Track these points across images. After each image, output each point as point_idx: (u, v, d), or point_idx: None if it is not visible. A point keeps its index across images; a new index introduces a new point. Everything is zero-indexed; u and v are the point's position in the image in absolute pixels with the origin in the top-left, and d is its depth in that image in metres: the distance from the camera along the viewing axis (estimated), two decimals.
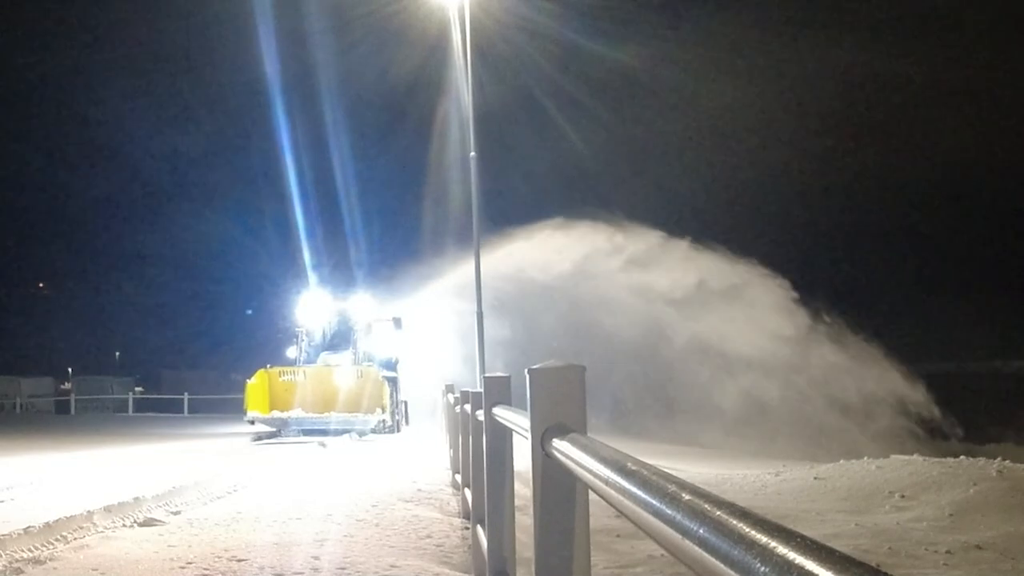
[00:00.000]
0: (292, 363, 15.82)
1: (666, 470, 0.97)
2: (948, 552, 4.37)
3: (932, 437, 17.71)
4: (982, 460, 6.42)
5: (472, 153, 13.46)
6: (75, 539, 4.44)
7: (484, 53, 16.15)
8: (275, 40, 28.64)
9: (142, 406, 27.71)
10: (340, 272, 21.07)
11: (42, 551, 4.11)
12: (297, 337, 16.55)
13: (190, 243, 50.10)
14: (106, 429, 17.23)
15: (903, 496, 5.78)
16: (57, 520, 4.71)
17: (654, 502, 0.86)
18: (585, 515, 1.58)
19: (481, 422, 3.08)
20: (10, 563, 3.83)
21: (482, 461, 3.09)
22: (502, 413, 2.54)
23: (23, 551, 4.07)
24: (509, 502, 2.79)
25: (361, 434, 13.52)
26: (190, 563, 3.90)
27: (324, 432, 13.21)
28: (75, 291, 48.17)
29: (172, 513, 5.39)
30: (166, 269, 48.57)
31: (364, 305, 17.07)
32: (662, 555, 3.86)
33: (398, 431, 15.17)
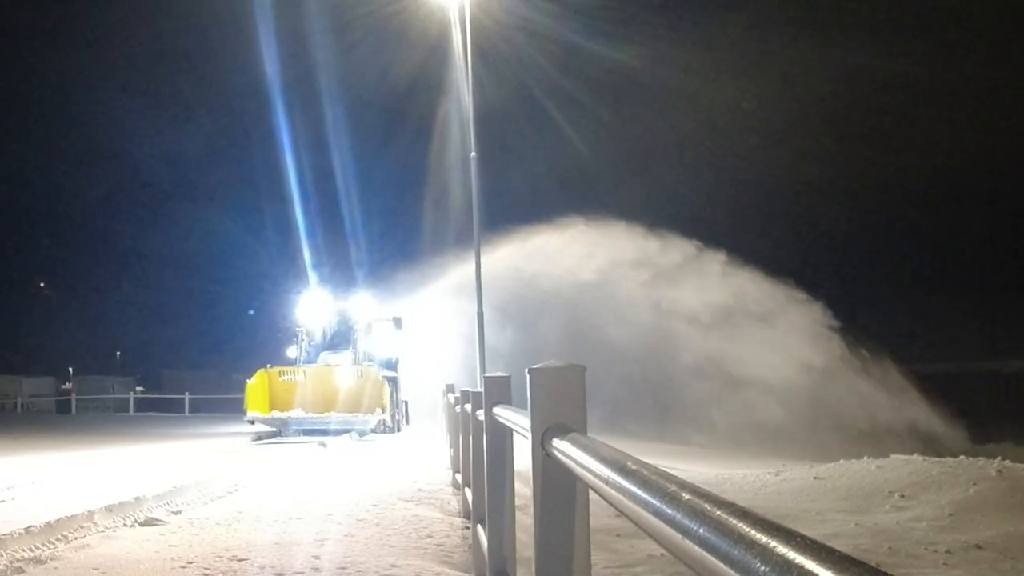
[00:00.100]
0: (292, 363, 15.82)
1: (666, 470, 0.97)
2: (948, 552, 4.37)
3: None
4: (982, 460, 6.43)
5: (472, 153, 13.46)
6: (76, 539, 4.44)
7: (484, 53, 16.15)
8: (275, 40, 28.67)
9: (143, 406, 27.72)
10: (340, 272, 21.10)
11: (43, 550, 4.11)
12: (297, 337, 16.55)
13: (191, 243, 50.11)
14: (107, 429, 17.24)
15: (903, 496, 5.78)
16: (58, 520, 4.71)
17: (654, 502, 0.86)
18: (585, 514, 1.58)
19: (481, 422, 3.08)
20: (11, 562, 3.84)
21: (482, 461, 3.10)
22: (502, 413, 2.54)
23: (24, 550, 4.07)
24: (509, 502, 2.79)
25: (361, 434, 13.52)
26: (191, 562, 3.91)
27: (324, 432, 13.20)
28: (76, 291, 48.24)
29: (173, 513, 5.40)
30: (167, 269, 48.59)
31: (364, 305, 17.07)
32: (662, 555, 3.86)
33: (398, 431, 15.17)
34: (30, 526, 4.49)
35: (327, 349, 16.02)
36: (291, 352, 16.79)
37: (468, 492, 4.53)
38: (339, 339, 16.19)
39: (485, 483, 2.97)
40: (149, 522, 4.97)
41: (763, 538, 0.63)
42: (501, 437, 2.78)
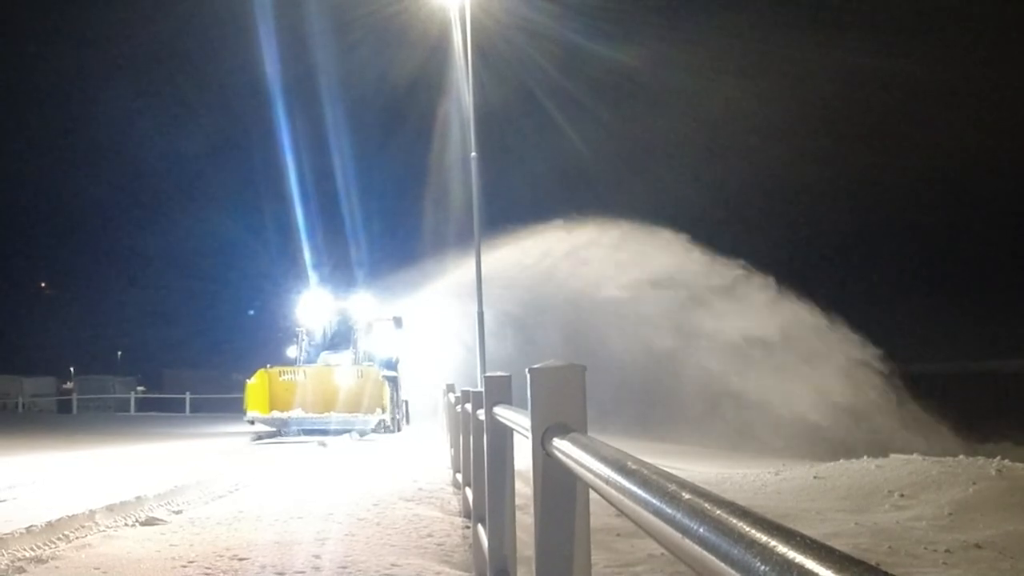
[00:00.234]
0: (292, 363, 15.82)
1: (666, 469, 0.97)
2: (947, 551, 4.38)
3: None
4: (981, 459, 6.43)
5: (473, 153, 13.46)
6: (77, 538, 4.44)
7: (485, 53, 16.15)
8: (276, 40, 28.66)
9: (144, 406, 27.73)
10: (341, 271, 21.10)
11: (44, 550, 4.12)
12: (297, 336, 16.55)
13: (192, 243, 50.16)
14: (108, 429, 17.25)
15: (903, 495, 5.78)
16: (59, 519, 4.72)
17: (654, 501, 0.86)
18: (585, 514, 1.59)
19: (482, 421, 3.09)
20: (12, 562, 3.84)
21: (483, 460, 3.10)
22: (503, 412, 2.55)
23: (25, 550, 4.08)
24: (510, 501, 2.80)
25: (362, 434, 13.52)
26: (192, 562, 3.91)
27: (324, 432, 13.20)
28: (77, 291, 48.26)
29: (174, 512, 5.40)
30: (168, 269, 48.63)
31: (364, 304, 17.07)
32: (662, 554, 3.87)
33: (399, 431, 15.17)
34: (31, 525, 4.50)
35: (327, 349, 16.01)
36: (291, 352, 16.79)
37: (468, 491, 4.54)
38: (339, 339, 16.19)
39: (485, 483, 2.98)
40: (150, 521, 4.98)
41: (763, 537, 0.63)
42: (501, 437, 2.79)
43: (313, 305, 16.72)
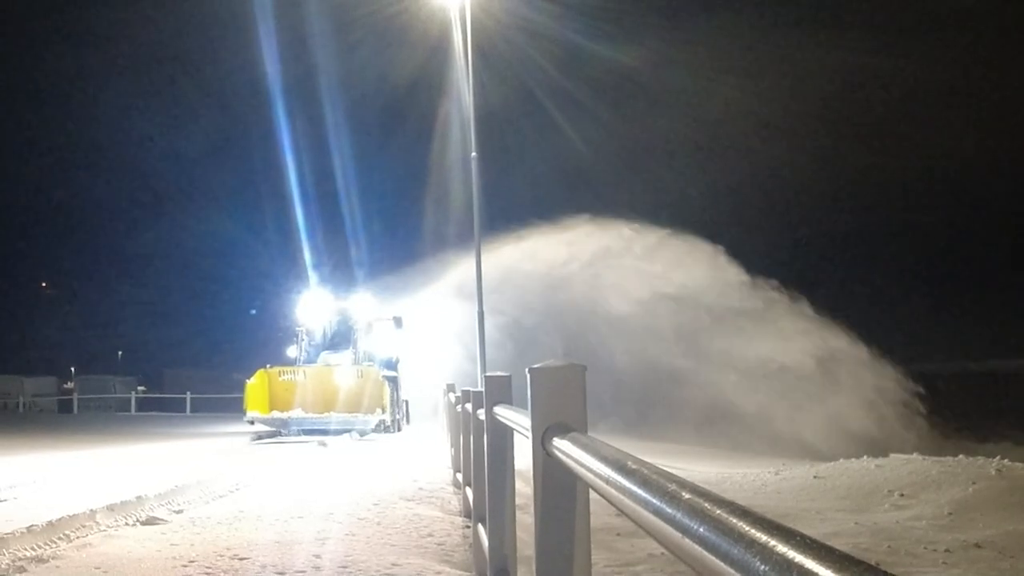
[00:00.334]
0: (293, 362, 15.82)
1: (666, 469, 0.97)
2: (947, 550, 4.38)
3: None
4: (981, 459, 6.43)
5: (473, 153, 13.47)
6: (78, 538, 4.45)
7: (485, 54, 16.14)
8: (277, 40, 28.67)
9: (145, 405, 27.74)
10: (341, 271, 21.10)
11: (45, 549, 4.12)
12: (297, 336, 16.55)
13: (192, 243, 50.20)
14: (109, 428, 17.25)
15: (902, 495, 5.78)
16: (60, 519, 4.72)
17: (654, 501, 0.87)
18: (586, 513, 1.59)
19: (482, 421, 3.09)
20: (13, 561, 3.85)
21: (483, 460, 3.10)
22: (503, 412, 2.55)
23: (26, 549, 4.08)
24: (510, 501, 2.80)
25: (362, 434, 13.52)
26: (192, 561, 3.92)
27: (324, 432, 13.19)
28: (78, 291, 48.29)
29: (174, 512, 5.41)
30: (168, 269, 48.71)
31: (365, 304, 17.07)
32: (663, 553, 3.87)
33: (399, 431, 15.17)
34: (32, 525, 4.50)
35: (327, 349, 16.01)
36: (291, 352, 16.78)
37: (469, 491, 4.54)
38: (339, 339, 16.18)
39: (486, 482, 2.98)
40: (151, 521, 4.98)
41: (763, 537, 0.63)
42: (502, 436, 2.79)
43: (313, 305, 16.72)
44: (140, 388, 31.97)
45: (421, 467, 8.44)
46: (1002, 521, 4.94)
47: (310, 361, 15.71)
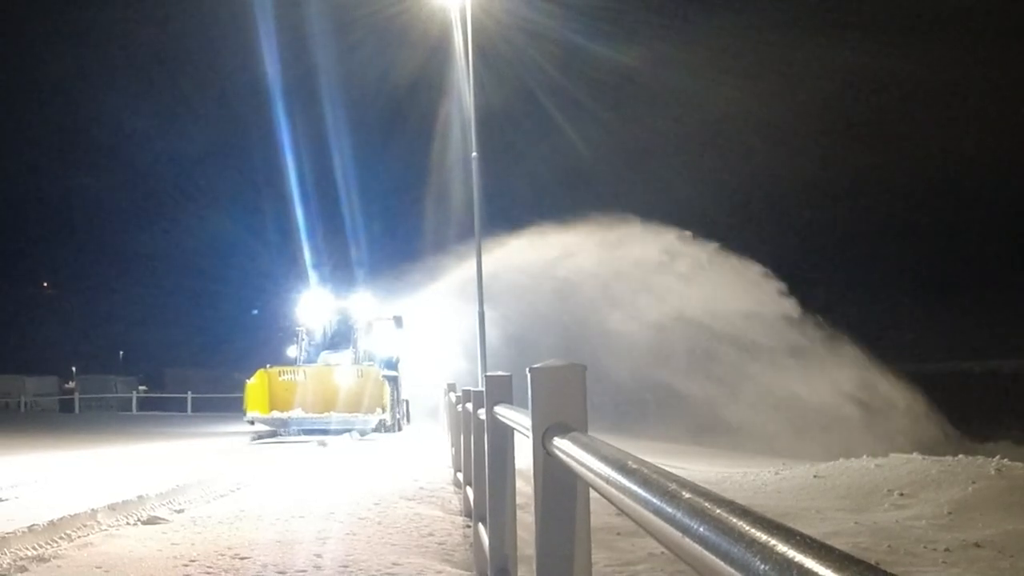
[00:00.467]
0: (293, 362, 15.82)
1: (666, 469, 0.98)
2: (947, 550, 4.38)
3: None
4: (980, 459, 6.43)
5: (474, 153, 13.47)
6: (79, 537, 4.46)
7: (485, 54, 16.14)
8: (277, 41, 28.70)
9: (146, 405, 27.75)
10: (341, 271, 21.09)
11: (46, 549, 4.13)
12: (297, 336, 16.55)
13: (193, 242, 50.24)
14: (110, 428, 17.26)
15: (902, 494, 5.79)
16: (61, 518, 4.73)
17: (654, 500, 0.87)
18: (586, 513, 1.59)
19: (483, 421, 3.09)
20: (15, 561, 3.85)
21: (483, 459, 3.11)
22: (503, 412, 2.55)
23: (28, 549, 4.09)
24: (510, 500, 2.80)
25: (362, 433, 13.52)
26: (193, 561, 3.92)
27: (325, 432, 13.19)
28: (79, 290, 48.31)
29: (175, 511, 5.41)
30: (169, 268, 48.75)
31: (365, 304, 17.06)
32: (663, 553, 3.88)
33: (399, 430, 15.16)
34: (33, 524, 4.51)
35: (327, 348, 16.01)
36: (291, 351, 16.79)
37: (469, 491, 4.55)
38: (339, 338, 16.18)
39: (486, 482, 2.98)
40: (152, 520, 4.99)
41: (763, 536, 0.63)
42: (502, 436, 2.79)
43: (313, 304, 16.72)
44: (141, 388, 31.98)
45: (422, 467, 8.44)
46: (1002, 520, 4.95)
47: (310, 361, 15.71)
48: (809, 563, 0.56)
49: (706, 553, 0.71)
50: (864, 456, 7.36)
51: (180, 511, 5.44)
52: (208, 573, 3.72)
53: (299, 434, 13.53)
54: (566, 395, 1.59)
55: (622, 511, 1.02)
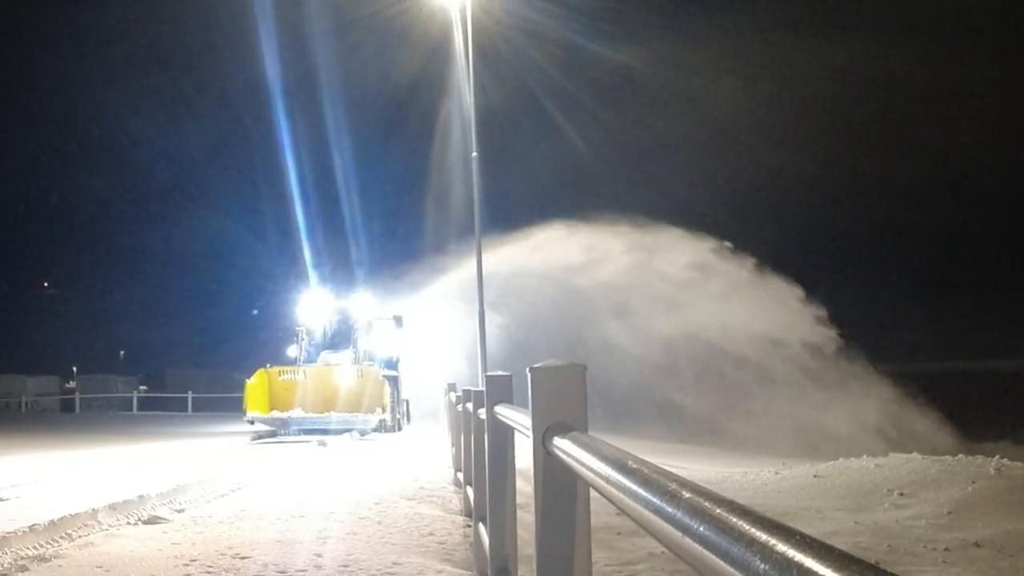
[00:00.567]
0: (293, 362, 15.82)
1: (666, 468, 0.98)
2: (947, 549, 4.38)
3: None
4: (980, 458, 6.43)
5: (474, 153, 13.48)
6: (80, 537, 4.46)
7: (485, 54, 16.15)
8: (278, 41, 28.70)
9: (146, 405, 27.75)
10: (341, 271, 21.09)
11: (47, 549, 4.13)
12: (297, 336, 16.55)
13: (193, 242, 50.19)
14: (110, 428, 17.27)
15: (902, 494, 5.79)
16: (62, 518, 4.73)
17: (655, 500, 0.87)
18: (586, 513, 1.60)
19: (483, 420, 3.10)
20: (16, 560, 3.86)
21: (484, 459, 3.11)
22: (504, 412, 2.56)
23: (28, 549, 4.09)
24: (511, 500, 2.81)
25: (362, 433, 13.52)
26: (194, 560, 3.93)
27: (324, 432, 13.19)
28: (80, 290, 48.32)
29: (176, 511, 5.42)
30: (170, 268, 48.76)
31: (365, 304, 17.07)
32: (663, 552, 3.88)
33: (399, 430, 15.16)
34: (34, 524, 4.52)
35: (327, 348, 16.01)
36: (291, 351, 16.79)
37: (469, 490, 4.55)
38: (339, 338, 16.19)
39: (486, 481, 2.99)
40: (152, 520, 4.99)
41: (763, 536, 0.63)
42: (502, 436, 2.80)
43: (313, 304, 16.72)
44: (142, 387, 31.94)
45: (422, 466, 8.44)
46: (1001, 520, 4.95)
47: (310, 360, 15.71)
48: (809, 563, 0.56)
49: (706, 553, 0.71)
50: (864, 456, 7.36)
51: (181, 511, 5.44)
52: (209, 572, 3.72)
53: (299, 434, 13.52)
54: (566, 395, 1.59)
55: (622, 511, 1.02)
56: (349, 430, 13.41)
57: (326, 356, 15.72)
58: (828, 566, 0.55)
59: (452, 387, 8.52)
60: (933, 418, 18.28)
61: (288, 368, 14.97)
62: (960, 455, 6.73)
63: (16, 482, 6.85)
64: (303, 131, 29.25)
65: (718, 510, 0.73)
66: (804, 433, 16.37)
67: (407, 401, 17.10)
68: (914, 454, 7.05)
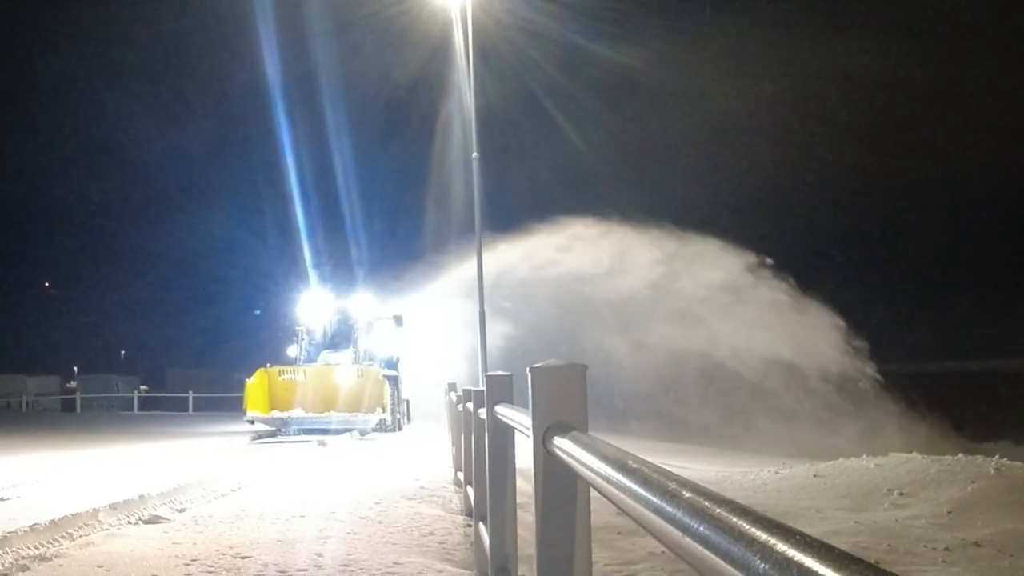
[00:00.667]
0: (293, 362, 15.83)
1: (666, 468, 0.98)
2: (946, 549, 4.39)
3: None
4: (980, 458, 6.43)
5: (474, 153, 13.48)
6: (81, 536, 4.46)
7: (486, 54, 16.15)
8: (278, 41, 28.68)
9: (147, 404, 27.77)
10: (341, 271, 21.10)
11: (48, 548, 4.14)
12: (298, 336, 16.56)
13: (194, 242, 50.14)
14: (111, 427, 17.28)
15: (902, 494, 5.79)
16: (63, 518, 4.74)
17: (655, 500, 0.87)
18: (586, 512, 1.60)
19: (483, 420, 3.10)
20: (16, 560, 3.86)
21: (484, 459, 3.12)
22: (504, 411, 2.56)
23: (29, 548, 4.10)
24: (511, 499, 2.81)
25: (362, 433, 13.52)
26: (194, 560, 3.93)
27: (325, 432, 13.20)
28: (80, 290, 48.30)
29: (177, 511, 5.42)
30: (170, 268, 48.74)
31: (365, 303, 17.08)
32: (663, 552, 3.88)
33: (399, 430, 15.17)
34: (35, 524, 4.52)
35: (328, 348, 16.02)
36: (292, 351, 16.80)
37: (470, 490, 4.55)
38: (340, 338, 16.19)
39: (487, 481, 2.99)
40: (153, 520, 5.00)
41: (763, 536, 0.64)
42: (503, 435, 2.80)
43: (313, 304, 16.73)
44: (142, 387, 31.96)
45: (422, 466, 8.45)
46: (1001, 520, 4.95)
47: (310, 360, 15.71)
48: (809, 562, 0.57)
49: (706, 552, 0.71)
50: (864, 455, 7.36)
51: (181, 510, 5.45)
52: (209, 572, 3.73)
53: (299, 434, 13.53)
54: (567, 395, 1.60)
55: (622, 510, 1.03)
56: (349, 430, 13.42)
57: (326, 356, 15.73)
58: (828, 566, 0.55)
59: (452, 387, 8.52)
60: (933, 418, 18.33)
61: (288, 368, 14.97)
62: (960, 455, 6.73)
63: (17, 482, 6.86)
64: (303, 131, 29.27)
65: (718, 510, 0.73)
66: (805, 444, 16.25)
67: (407, 401, 17.11)
68: (914, 454, 7.05)
